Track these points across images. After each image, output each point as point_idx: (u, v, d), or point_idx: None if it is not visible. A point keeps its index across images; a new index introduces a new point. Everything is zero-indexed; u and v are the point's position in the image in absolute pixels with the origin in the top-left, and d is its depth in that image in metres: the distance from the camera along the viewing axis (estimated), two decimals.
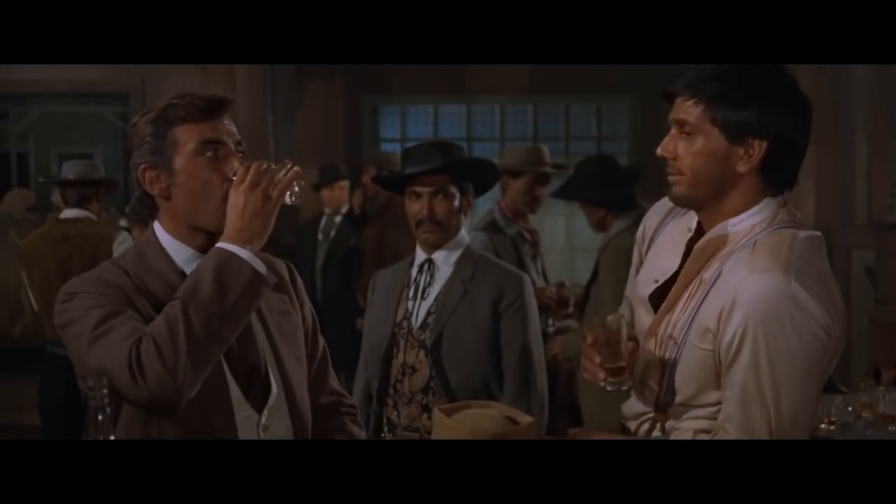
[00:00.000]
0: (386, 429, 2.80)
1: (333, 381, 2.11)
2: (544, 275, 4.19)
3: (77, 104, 8.34)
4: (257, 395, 1.86)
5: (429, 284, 2.79)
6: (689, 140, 1.83)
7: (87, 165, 4.52)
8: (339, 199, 6.21)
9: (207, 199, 1.80)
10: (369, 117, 7.95)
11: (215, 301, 1.68)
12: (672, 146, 1.86)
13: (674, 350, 1.85)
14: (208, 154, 1.80)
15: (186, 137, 1.80)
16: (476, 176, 2.81)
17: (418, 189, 2.72)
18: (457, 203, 2.74)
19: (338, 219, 6.20)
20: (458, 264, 2.79)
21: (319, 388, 2.05)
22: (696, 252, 1.87)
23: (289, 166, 1.77)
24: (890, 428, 2.37)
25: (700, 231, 1.91)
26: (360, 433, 2.08)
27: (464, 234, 2.84)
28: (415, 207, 2.73)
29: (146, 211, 1.89)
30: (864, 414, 2.62)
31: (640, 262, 2.06)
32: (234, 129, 1.85)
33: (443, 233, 2.74)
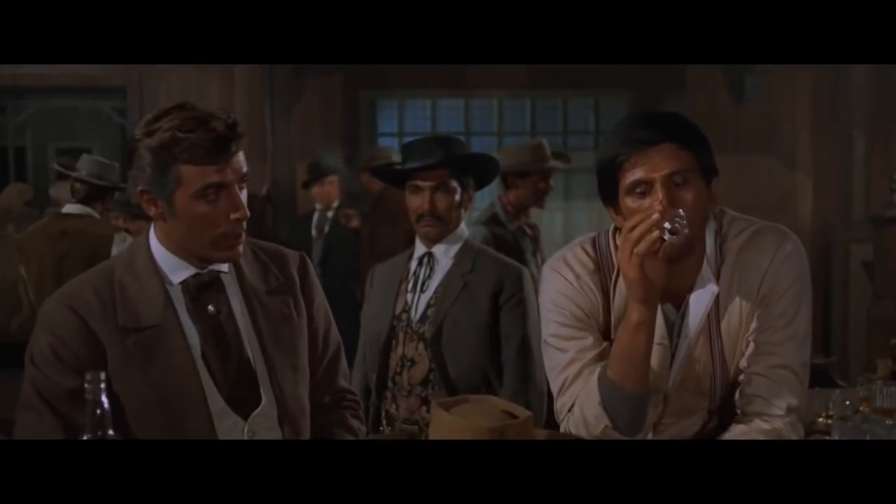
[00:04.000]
0: (384, 422, 2.80)
1: (342, 380, 2.10)
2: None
3: (74, 98, 8.29)
4: (244, 404, 1.85)
5: (428, 277, 2.79)
6: (683, 187, 1.77)
7: (105, 166, 4.43)
8: (330, 194, 6.21)
9: (202, 235, 1.80)
10: (367, 112, 7.93)
11: None
12: (678, 201, 1.76)
13: (719, 353, 1.92)
14: (210, 196, 1.76)
15: (190, 179, 1.74)
16: (476, 170, 2.81)
17: (419, 183, 2.72)
18: (457, 197, 2.75)
19: (330, 214, 6.21)
20: (458, 257, 2.79)
21: (325, 388, 2.05)
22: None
23: None
24: (887, 422, 2.37)
25: None
26: (360, 427, 2.08)
27: (463, 228, 2.84)
28: (416, 202, 2.73)
29: (132, 208, 1.89)
30: (861, 408, 2.62)
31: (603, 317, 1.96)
32: (241, 160, 1.79)
33: (443, 227, 2.75)
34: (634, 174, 1.78)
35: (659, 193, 1.75)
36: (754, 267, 1.88)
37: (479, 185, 2.85)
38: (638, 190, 1.78)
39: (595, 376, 1.87)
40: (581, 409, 1.88)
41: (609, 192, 1.84)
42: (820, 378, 3.33)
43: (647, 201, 1.77)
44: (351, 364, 2.98)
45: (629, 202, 1.80)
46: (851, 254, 6.68)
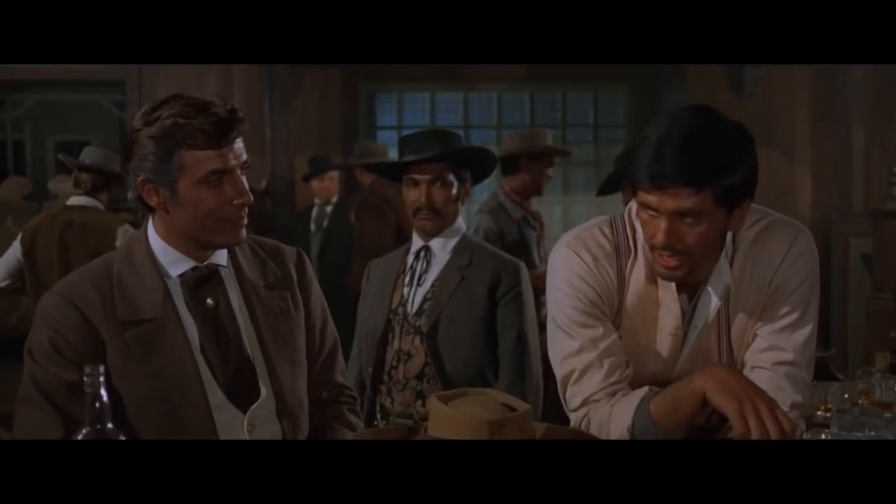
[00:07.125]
0: (379, 416, 2.81)
1: (339, 375, 2.10)
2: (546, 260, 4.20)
3: (73, 92, 8.28)
4: (243, 398, 1.85)
5: (425, 271, 2.79)
6: (693, 225, 1.74)
7: (108, 156, 4.43)
8: (329, 189, 6.26)
9: (206, 221, 1.80)
10: (366, 105, 7.93)
11: None
12: (681, 235, 1.75)
13: (726, 344, 1.93)
14: (213, 182, 1.77)
15: (193, 165, 1.75)
16: (474, 164, 2.81)
17: (416, 177, 2.71)
18: (455, 191, 2.74)
19: (329, 209, 6.24)
20: (455, 251, 2.79)
21: (322, 383, 2.05)
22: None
23: None
24: (886, 415, 2.37)
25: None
26: (358, 423, 2.09)
27: (461, 222, 2.84)
28: (412, 195, 2.73)
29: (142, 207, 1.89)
30: (860, 401, 2.63)
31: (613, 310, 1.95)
32: (241, 146, 1.80)
33: (441, 221, 2.74)
34: (647, 199, 1.75)
35: (662, 227, 1.74)
36: (767, 260, 1.88)
37: (477, 179, 2.85)
38: (650, 212, 1.77)
39: (634, 397, 1.85)
40: (607, 423, 1.86)
41: (632, 189, 1.84)
42: (819, 371, 3.32)
43: (656, 222, 1.76)
44: (347, 357, 2.99)
45: (641, 214, 1.80)
46: (850, 247, 6.69)
